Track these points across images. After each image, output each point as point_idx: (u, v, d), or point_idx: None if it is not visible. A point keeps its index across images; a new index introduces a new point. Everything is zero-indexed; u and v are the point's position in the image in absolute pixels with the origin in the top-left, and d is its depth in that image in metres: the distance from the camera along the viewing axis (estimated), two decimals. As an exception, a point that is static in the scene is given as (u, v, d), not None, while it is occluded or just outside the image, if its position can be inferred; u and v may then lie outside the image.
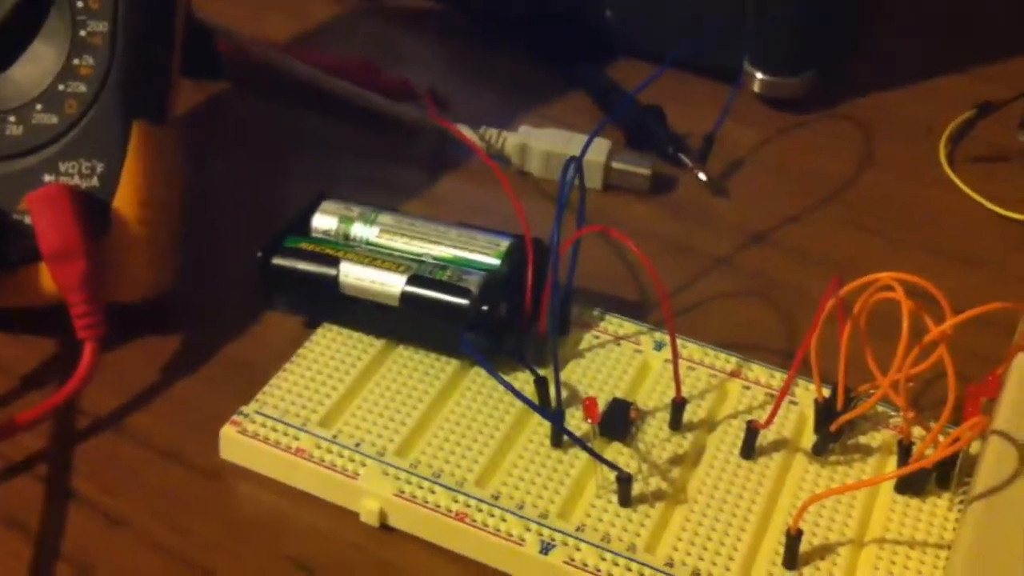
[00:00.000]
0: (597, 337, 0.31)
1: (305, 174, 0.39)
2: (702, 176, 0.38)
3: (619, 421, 0.28)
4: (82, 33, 0.30)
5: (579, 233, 0.28)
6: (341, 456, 0.28)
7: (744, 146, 0.41)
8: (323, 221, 0.32)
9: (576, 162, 0.28)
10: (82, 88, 0.30)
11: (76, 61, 0.30)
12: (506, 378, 0.27)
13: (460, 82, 0.43)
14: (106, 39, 0.30)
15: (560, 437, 0.28)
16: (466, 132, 0.39)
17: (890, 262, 0.35)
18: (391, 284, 0.30)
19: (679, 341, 0.31)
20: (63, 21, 0.30)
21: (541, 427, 0.28)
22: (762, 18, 0.41)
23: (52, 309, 0.30)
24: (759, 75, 0.42)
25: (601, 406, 0.28)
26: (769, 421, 0.28)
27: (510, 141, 0.38)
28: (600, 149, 0.38)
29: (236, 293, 0.33)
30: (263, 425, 0.28)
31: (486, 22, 0.46)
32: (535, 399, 0.28)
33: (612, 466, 0.26)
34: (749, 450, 0.28)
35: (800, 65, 0.42)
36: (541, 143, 0.38)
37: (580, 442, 0.26)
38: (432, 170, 0.39)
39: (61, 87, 0.30)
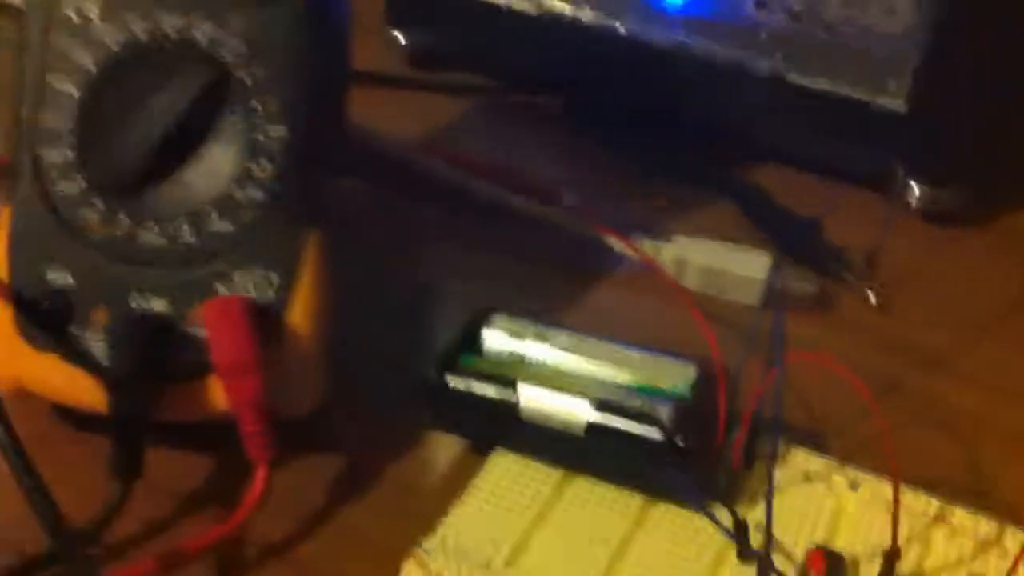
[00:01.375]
0: (785, 473, 0.29)
1: (448, 280, 0.38)
2: (871, 295, 0.36)
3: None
4: (259, 137, 0.29)
5: (794, 358, 0.26)
6: (529, 600, 0.26)
7: (904, 262, 0.39)
8: (494, 338, 0.30)
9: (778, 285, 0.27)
10: (259, 195, 0.29)
11: (252, 166, 0.29)
12: (692, 517, 0.26)
13: (596, 188, 0.42)
14: (283, 144, 0.29)
15: (767, 588, 0.26)
16: (615, 242, 0.37)
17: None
18: (577, 411, 0.28)
19: (872, 479, 0.29)
20: (238, 124, 0.29)
21: (739, 574, 0.27)
22: (920, 126, 0.40)
23: (211, 424, 0.29)
24: (915, 187, 0.41)
25: (800, 553, 0.27)
26: (1010, 585, 0.26)
27: (665, 253, 0.37)
28: (760, 265, 0.37)
29: (394, 409, 0.32)
30: (446, 563, 0.26)
31: (623, 125, 0.45)
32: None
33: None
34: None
35: (960, 177, 0.40)
36: (700, 257, 0.37)
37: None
38: (576, 279, 0.38)
39: (237, 193, 0.29)
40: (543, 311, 0.32)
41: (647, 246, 0.37)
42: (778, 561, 0.26)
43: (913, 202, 0.41)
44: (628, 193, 0.41)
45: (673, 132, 0.43)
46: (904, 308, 0.37)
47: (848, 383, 0.34)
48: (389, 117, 0.43)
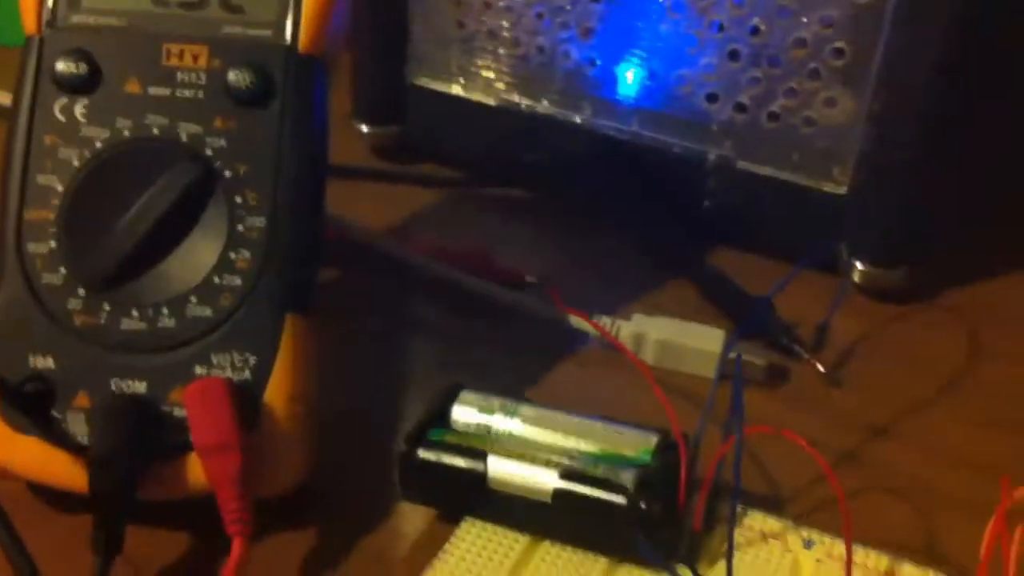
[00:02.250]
0: (743, 534, 0.31)
1: (421, 361, 0.39)
2: (820, 367, 0.38)
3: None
4: (240, 228, 0.31)
5: (752, 431, 0.28)
6: (499, 663, 0.27)
7: (851, 336, 0.41)
8: (463, 413, 0.32)
9: (735, 354, 0.29)
10: (237, 281, 0.30)
11: (233, 255, 0.30)
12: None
13: (560, 270, 0.44)
14: (263, 234, 0.31)
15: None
16: (580, 322, 0.39)
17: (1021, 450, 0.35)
18: (543, 480, 0.29)
19: (827, 539, 0.30)
20: (221, 216, 0.31)
21: (702, 632, 0.28)
22: (863, 209, 0.42)
23: (192, 501, 0.30)
24: (859, 266, 0.43)
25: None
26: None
27: (624, 330, 0.39)
28: (715, 339, 0.38)
29: (366, 484, 0.33)
30: (418, 628, 0.27)
31: (581, 210, 0.47)
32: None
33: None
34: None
35: (901, 256, 0.43)
36: (657, 332, 0.38)
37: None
38: (543, 359, 0.39)
39: (217, 280, 0.30)
40: (510, 388, 0.33)
41: (607, 324, 0.39)
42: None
43: (858, 280, 0.43)
44: (589, 276, 0.43)
45: (632, 218, 0.45)
46: (852, 380, 0.39)
47: (803, 451, 0.35)
48: (356, 207, 0.45)
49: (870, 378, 0.39)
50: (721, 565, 0.29)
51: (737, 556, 0.30)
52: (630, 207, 0.46)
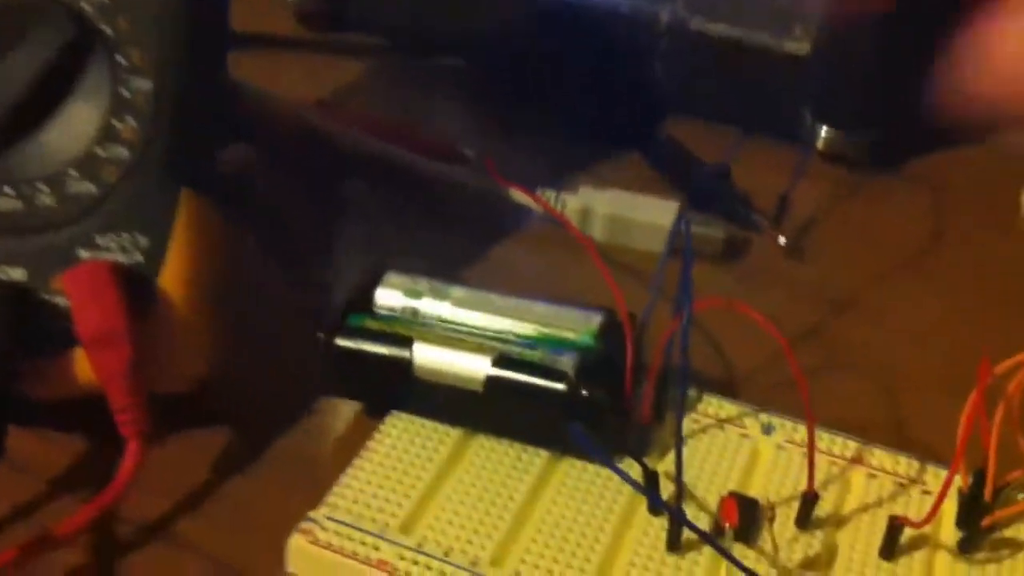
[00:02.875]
0: (697, 421, 0.28)
1: (345, 244, 0.36)
2: (781, 239, 0.35)
3: (749, 522, 0.25)
4: (124, 92, 0.27)
5: (702, 306, 0.25)
6: (429, 569, 0.24)
7: (812, 206, 0.38)
8: (387, 296, 0.29)
9: (685, 226, 0.26)
10: (123, 153, 0.27)
11: (117, 123, 0.27)
12: (600, 472, 0.24)
13: (495, 143, 0.40)
14: (150, 99, 0.27)
15: (678, 540, 0.24)
16: (520, 195, 0.36)
17: (985, 326, 0.33)
18: (474, 367, 0.26)
19: (788, 423, 0.28)
20: (102, 78, 0.27)
21: (651, 528, 0.25)
22: (827, 71, 0.39)
23: (80, 401, 0.27)
24: (824, 132, 0.40)
25: (715, 502, 0.25)
26: (930, 519, 0.24)
27: (570, 204, 0.35)
28: (666, 212, 0.35)
29: (283, 379, 0.30)
30: (337, 533, 0.25)
31: (520, 79, 0.44)
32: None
33: (751, 573, 0.23)
34: (890, 550, 0.25)
35: (868, 121, 0.40)
36: (605, 207, 0.35)
37: (719, 547, 0.23)
38: (482, 237, 0.36)
39: (99, 152, 0.27)
40: (443, 270, 0.30)
41: (550, 199, 0.36)
42: (692, 512, 0.25)
43: (820, 146, 0.40)
44: (530, 148, 0.40)
45: (575, 83, 0.42)
46: (814, 253, 0.36)
47: (760, 329, 0.33)
48: (279, 79, 0.41)
49: (832, 251, 0.37)
50: (672, 457, 0.27)
51: (690, 445, 0.27)
52: (572, 74, 0.42)
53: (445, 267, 0.31)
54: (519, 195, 0.36)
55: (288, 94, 0.40)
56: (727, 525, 0.24)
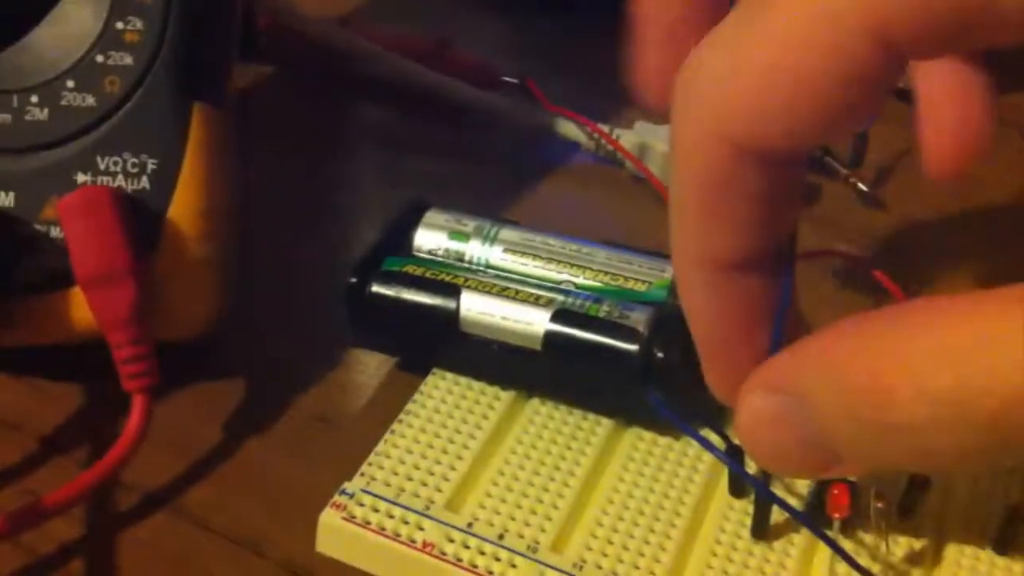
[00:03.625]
0: (779, 388, 0.25)
1: (372, 175, 0.32)
2: (861, 186, 0.32)
3: (853, 512, 0.21)
4: (128, -12, 0.23)
5: (819, 254, 0.21)
6: (482, 553, 0.21)
7: (891, 150, 0.34)
8: (428, 238, 0.25)
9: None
10: (128, 60, 0.23)
11: (120, 25, 0.23)
12: (672, 444, 0.21)
13: (544, 68, 0.36)
14: (158, -3, 0.23)
15: (765, 525, 0.21)
16: (570, 127, 0.32)
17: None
18: (531, 322, 0.23)
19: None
20: (102, -27, 0.23)
21: (732, 512, 0.22)
22: None
23: (76, 349, 0.23)
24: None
25: (802, 485, 0.22)
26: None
27: (625, 140, 0.32)
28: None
29: (307, 328, 0.26)
30: (375, 509, 0.21)
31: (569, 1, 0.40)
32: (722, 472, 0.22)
33: (864, 572, 0.19)
34: (1006, 543, 0.21)
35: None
36: (665, 143, 0.32)
37: (834, 545, 0.20)
38: (524, 173, 0.32)
39: (100, 58, 0.23)
40: (485, 209, 0.27)
41: (602, 132, 0.32)
42: (779, 495, 0.22)
43: (900, 82, 0.36)
44: (579, 75, 0.36)
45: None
46: (894, 200, 0.32)
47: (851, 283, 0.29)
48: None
49: (913, 197, 0.33)
50: (754, 429, 0.23)
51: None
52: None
53: (484, 207, 0.28)
54: (568, 126, 0.32)
55: (309, 9, 0.36)
56: (836, 517, 0.20)
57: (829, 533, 0.20)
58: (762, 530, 0.21)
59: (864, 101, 0.16)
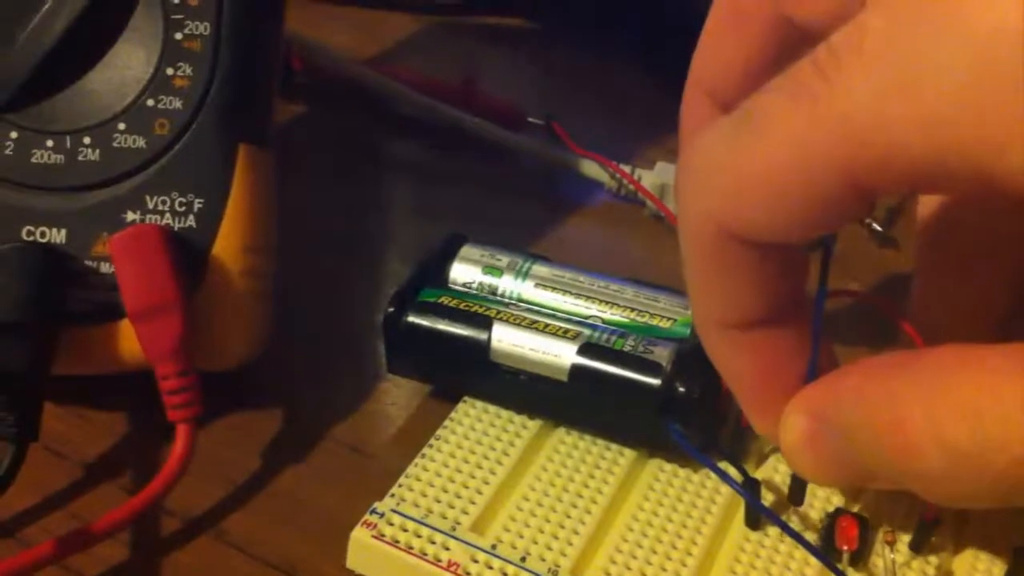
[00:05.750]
0: (795, 422, 0.25)
1: (404, 209, 0.33)
2: (875, 226, 0.32)
3: (862, 544, 0.22)
4: (178, 36, 0.24)
5: (834, 293, 0.22)
6: (505, 574, 0.22)
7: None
8: (464, 271, 0.26)
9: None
10: (177, 104, 0.24)
11: (170, 70, 0.24)
12: (691, 476, 0.22)
13: (564, 109, 0.38)
14: (207, 44, 0.24)
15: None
16: (592, 167, 0.33)
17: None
18: (559, 354, 0.24)
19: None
20: (153, 20, 0.24)
21: (748, 543, 0.23)
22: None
23: (123, 379, 0.24)
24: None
25: (817, 517, 0.23)
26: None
27: (646, 180, 0.33)
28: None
29: (342, 359, 0.27)
30: (403, 528, 0.22)
31: (592, 39, 0.41)
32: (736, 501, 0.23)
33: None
34: (1018, 581, 0.22)
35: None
36: (685, 182, 0.33)
37: (839, 573, 0.20)
38: (548, 212, 0.33)
39: (151, 102, 0.24)
40: (512, 245, 0.28)
41: (624, 172, 0.33)
42: (793, 527, 0.23)
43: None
44: (601, 116, 0.37)
45: (650, 46, 0.39)
46: (907, 239, 0.33)
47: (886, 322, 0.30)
48: (331, 35, 0.39)
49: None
50: (770, 464, 0.24)
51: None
52: (647, 32, 0.39)
53: (512, 241, 0.29)
54: (591, 166, 0.33)
55: (341, 49, 0.37)
56: (845, 549, 0.21)
57: (839, 565, 0.21)
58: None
59: (837, 222, 0.17)
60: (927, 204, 0.23)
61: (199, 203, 0.24)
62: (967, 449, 0.16)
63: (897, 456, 0.17)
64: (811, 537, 0.23)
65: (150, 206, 0.24)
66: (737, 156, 0.17)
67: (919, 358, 0.17)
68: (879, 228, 0.32)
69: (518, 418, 0.25)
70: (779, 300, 0.19)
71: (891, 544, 0.21)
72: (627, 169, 0.33)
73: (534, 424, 0.25)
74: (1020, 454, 0.15)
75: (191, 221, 0.24)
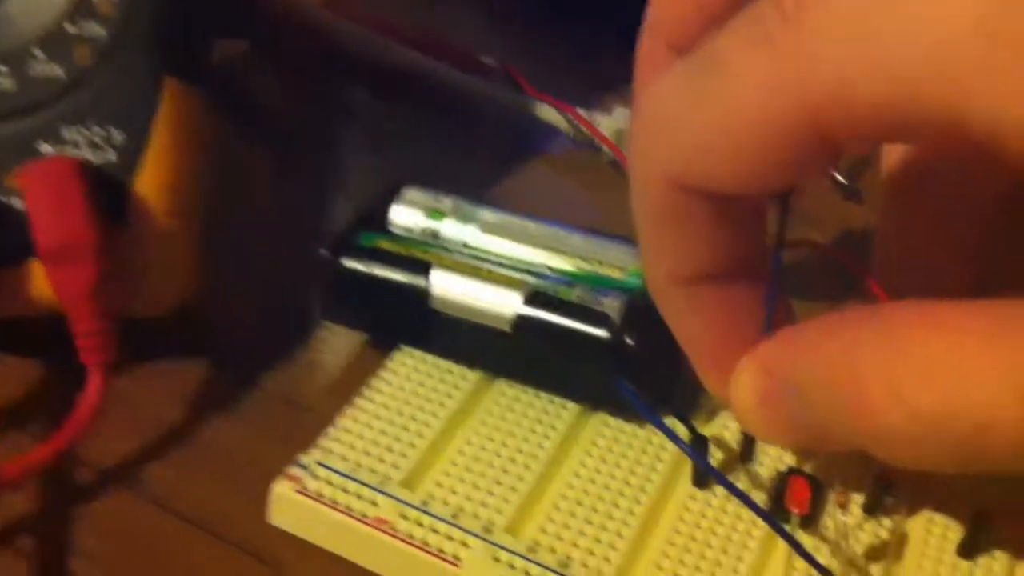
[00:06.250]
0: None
1: (353, 157, 0.32)
2: (839, 177, 0.31)
3: (814, 508, 0.21)
4: (100, -44, 0.23)
5: (795, 244, 0.21)
6: (435, 532, 0.21)
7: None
8: (404, 215, 0.25)
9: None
10: (99, 31, 0.22)
11: (91, -6, 0.23)
12: (637, 432, 0.21)
13: (520, 54, 0.36)
14: (133, -35, 0.23)
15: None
16: (549, 113, 0.32)
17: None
18: (501, 303, 0.23)
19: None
20: (74, -61, 0.23)
21: (694, 501, 0.22)
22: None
23: (35, 321, 0.23)
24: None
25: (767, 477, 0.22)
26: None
27: (604, 125, 0.31)
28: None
29: (277, 308, 0.26)
30: (329, 482, 0.21)
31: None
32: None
33: (823, 571, 0.19)
34: (971, 548, 0.21)
35: None
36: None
37: (789, 538, 0.19)
38: (503, 157, 0.32)
39: (70, 28, 0.22)
40: (464, 191, 0.26)
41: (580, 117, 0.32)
42: (742, 488, 0.22)
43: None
44: (557, 61, 0.35)
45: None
46: (873, 193, 0.32)
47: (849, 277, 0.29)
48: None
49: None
50: (720, 421, 0.23)
51: (741, 405, 0.24)
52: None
53: (463, 189, 0.27)
54: (548, 111, 0.32)
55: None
56: (795, 512, 0.20)
57: (788, 528, 0.20)
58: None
59: (800, 174, 0.16)
60: (893, 154, 0.22)
61: (120, 136, 0.22)
62: (927, 412, 0.15)
63: (854, 417, 0.16)
64: (760, 497, 0.22)
65: (66, 137, 0.22)
66: (694, 104, 0.16)
67: (880, 314, 0.16)
68: (844, 181, 0.31)
69: (457, 369, 0.24)
70: (735, 254, 0.18)
71: (843, 506, 0.20)
72: (584, 114, 0.31)
73: (474, 376, 0.24)
74: (983, 419, 0.14)
75: (111, 155, 0.22)
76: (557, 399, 0.23)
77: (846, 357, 0.16)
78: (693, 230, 0.17)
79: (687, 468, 0.22)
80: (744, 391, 0.18)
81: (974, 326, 0.15)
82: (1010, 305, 0.15)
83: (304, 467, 0.21)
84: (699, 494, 0.22)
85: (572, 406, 0.23)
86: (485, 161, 0.31)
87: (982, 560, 0.21)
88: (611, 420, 0.23)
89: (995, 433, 0.14)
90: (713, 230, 0.17)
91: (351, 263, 0.23)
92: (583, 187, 0.31)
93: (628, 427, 0.23)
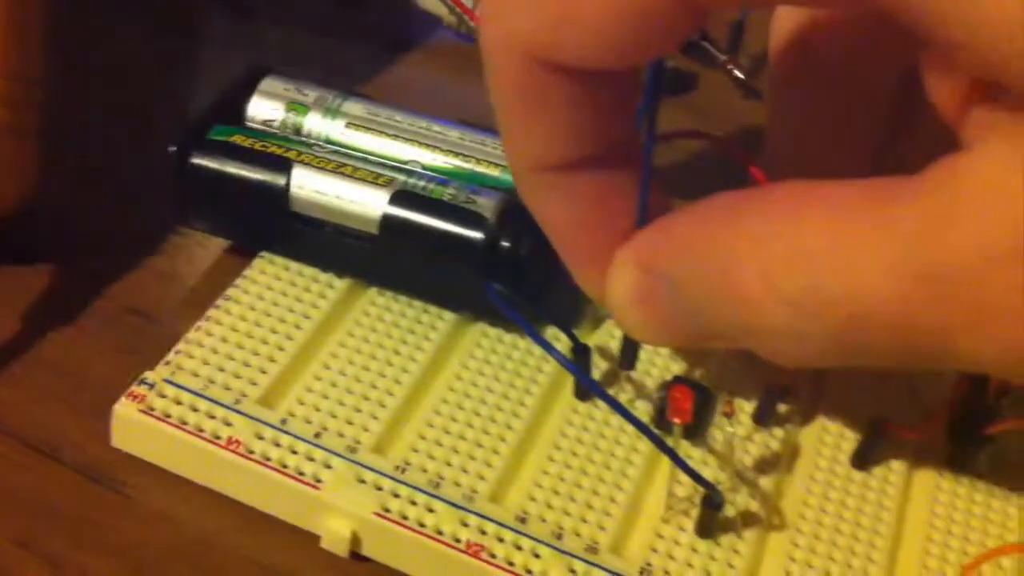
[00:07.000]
0: (637, 285, 0.23)
1: (219, 45, 0.29)
2: (737, 73, 0.30)
3: (699, 416, 0.20)
4: None
5: (667, 136, 0.19)
6: (294, 452, 0.19)
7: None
8: (264, 108, 0.23)
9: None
10: None
11: None
12: (518, 341, 0.20)
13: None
14: None
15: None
16: (430, 1, 0.30)
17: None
18: (367, 203, 0.21)
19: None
20: None
21: (576, 415, 0.20)
22: None
23: None
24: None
25: (654, 387, 0.21)
26: (931, 430, 0.20)
27: (492, 15, 0.29)
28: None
29: (126, 212, 0.24)
30: (177, 402, 0.19)
31: None
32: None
33: (706, 484, 0.18)
34: (865, 458, 0.20)
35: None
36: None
37: (670, 452, 0.18)
38: (379, 48, 0.30)
39: None
40: (333, 83, 0.24)
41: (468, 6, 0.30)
42: (627, 398, 0.21)
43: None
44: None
45: None
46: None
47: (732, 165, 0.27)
48: None
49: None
50: (605, 329, 0.22)
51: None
52: None
53: (333, 80, 0.25)
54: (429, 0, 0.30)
55: None
56: (676, 422, 0.19)
57: (671, 439, 0.19)
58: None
59: (664, 42, 0.14)
60: (781, 26, 0.20)
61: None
62: (800, 300, 0.13)
63: (731, 310, 0.14)
64: (645, 408, 0.20)
65: None
66: None
67: (753, 198, 0.14)
68: (742, 77, 0.30)
69: (323, 277, 0.22)
70: (604, 138, 0.16)
71: (729, 416, 0.19)
72: (467, 3, 0.29)
73: (341, 284, 0.22)
74: (859, 310, 0.13)
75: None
76: (431, 308, 0.22)
77: (720, 243, 0.14)
78: (555, 110, 0.15)
79: (570, 380, 0.21)
80: (619, 288, 0.16)
81: (854, 203, 0.13)
82: (892, 181, 0.13)
83: (150, 385, 0.19)
84: (581, 407, 0.20)
85: (448, 316, 0.22)
86: (361, 51, 0.29)
87: (878, 471, 0.20)
88: (490, 330, 0.21)
89: (872, 322, 0.13)
90: (577, 110, 0.15)
91: (202, 160, 0.21)
92: (462, 81, 0.29)
93: (508, 337, 0.21)
